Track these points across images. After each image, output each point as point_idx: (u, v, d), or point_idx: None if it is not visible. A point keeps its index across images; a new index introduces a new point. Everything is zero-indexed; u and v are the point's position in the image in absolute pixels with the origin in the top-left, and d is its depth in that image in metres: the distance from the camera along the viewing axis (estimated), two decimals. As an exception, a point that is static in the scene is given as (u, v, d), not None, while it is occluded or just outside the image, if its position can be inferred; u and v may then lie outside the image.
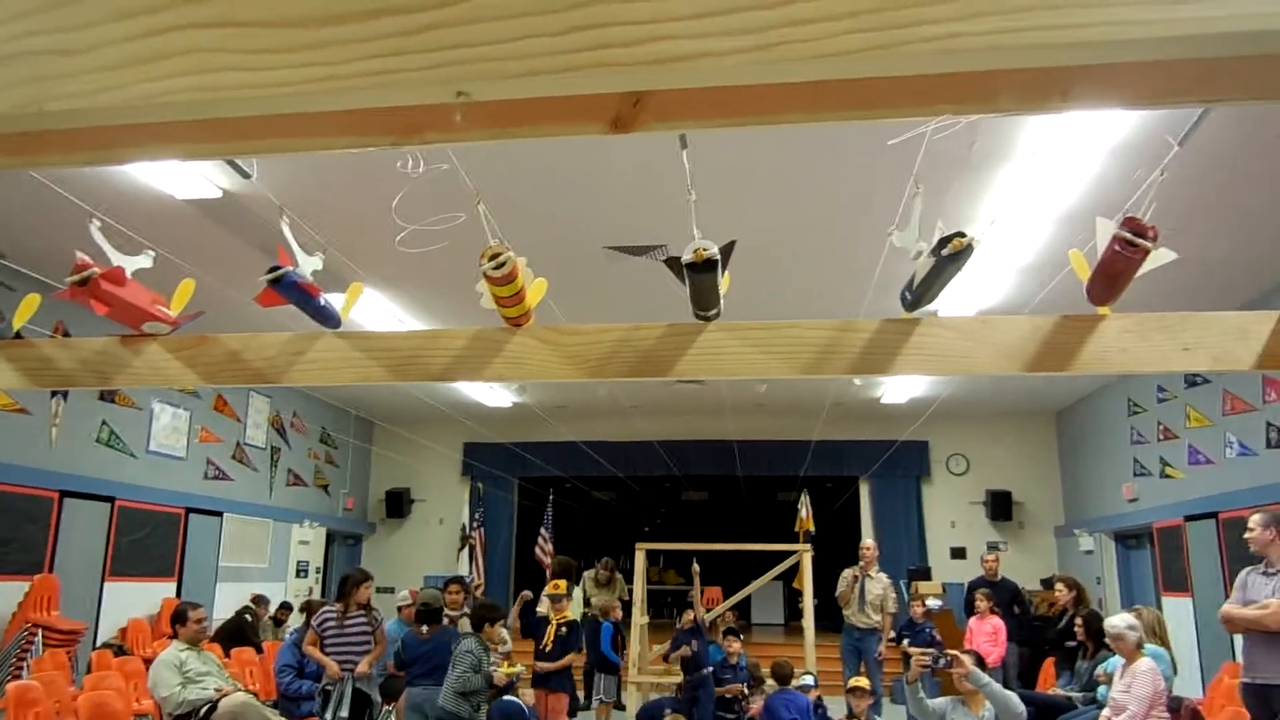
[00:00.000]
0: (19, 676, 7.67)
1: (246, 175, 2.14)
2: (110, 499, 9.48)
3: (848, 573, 9.41)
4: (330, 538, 14.06)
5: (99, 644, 8.86)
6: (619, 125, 0.84)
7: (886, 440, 13.36)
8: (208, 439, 11.17)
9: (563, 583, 8.31)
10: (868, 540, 9.70)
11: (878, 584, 9.26)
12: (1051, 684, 7.93)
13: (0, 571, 8.06)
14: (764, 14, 0.66)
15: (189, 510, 10.69)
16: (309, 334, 1.90)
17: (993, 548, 13.16)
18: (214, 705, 5.90)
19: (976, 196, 6.43)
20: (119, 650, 8.67)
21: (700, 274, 1.70)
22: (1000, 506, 13.86)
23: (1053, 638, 8.32)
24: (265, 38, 0.68)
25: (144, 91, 0.70)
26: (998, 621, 8.54)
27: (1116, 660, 6.24)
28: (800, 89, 0.81)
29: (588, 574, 11.28)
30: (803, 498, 13.52)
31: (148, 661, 8.42)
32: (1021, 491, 14.00)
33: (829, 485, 15.23)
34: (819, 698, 8.18)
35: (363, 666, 6.52)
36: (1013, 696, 4.58)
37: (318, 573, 13.58)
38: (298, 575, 13.01)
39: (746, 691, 8.11)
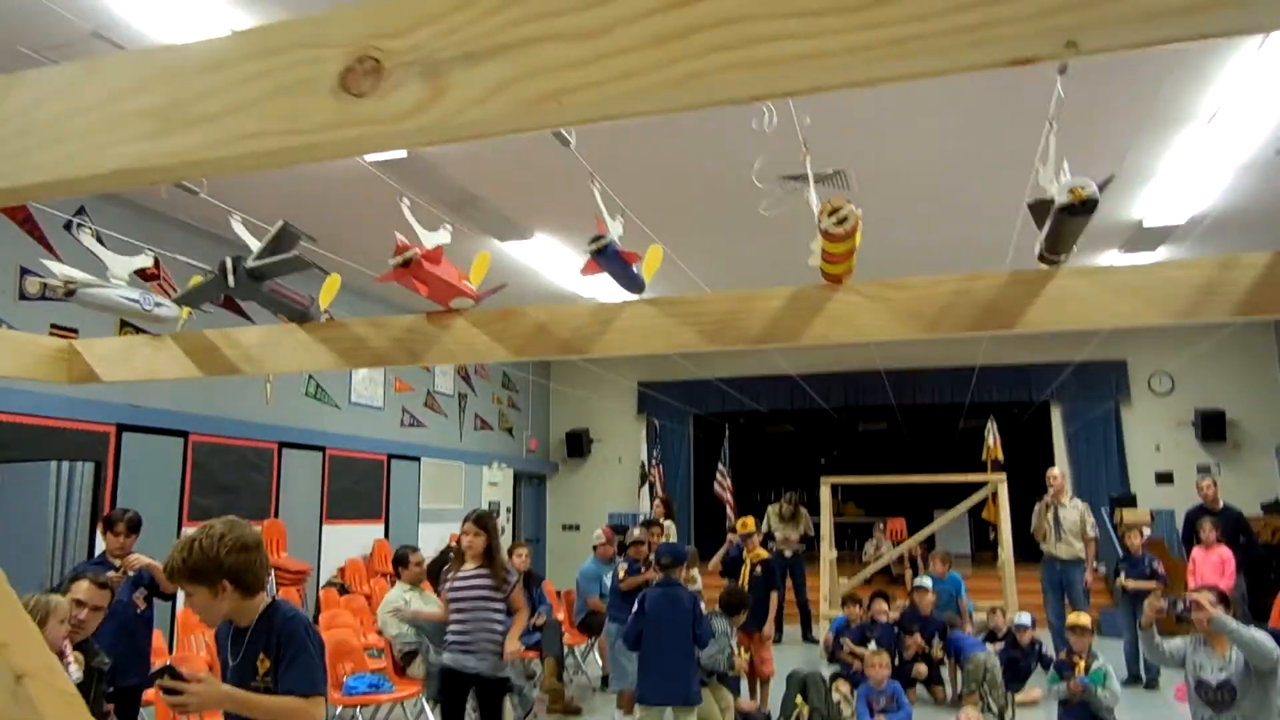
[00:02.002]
0: (260, 614, 8.37)
1: (566, 142, 2.11)
2: (321, 448, 10.12)
3: (1039, 505, 9.00)
4: (517, 478, 14.61)
5: (323, 583, 9.54)
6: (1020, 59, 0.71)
7: (1079, 361, 12.59)
8: (402, 389, 11.72)
9: (750, 520, 8.29)
10: (1054, 469, 9.20)
11: (1072, 510, 8.81)
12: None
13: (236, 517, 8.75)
14: None
15: (390, 456, 11.29)
16: (616, 303, 1.86)
17: (1204, 471, 12.28)
18: (438, 642, 6.21)
19: (1199, 87, 5.83)
20: (342, 589, 9.31)
21: (1076, 216, 1.54)
22: (1212, 426, 12.85)
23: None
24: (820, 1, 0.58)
25: (668, 76, 0.61)
26: (1225, 551, 7.95)
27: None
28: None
29: (771, 508, 11.26)
30: (989, 424, 12.99)
31: (368, 598, 9.03)
32: (1236, 409, 12.93)
33: (1015, 411, 14.55)
34: (1035, 638, 7.91)
35: (510, 644, 5.01)
36: (1265, 639, 4.18)
37: (508, 511, 14.16)
38: (490, 515, 13.59)
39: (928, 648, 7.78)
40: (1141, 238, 8.58)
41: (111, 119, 0.74)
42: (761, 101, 0.73)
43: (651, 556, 7.09)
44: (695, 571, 9.07)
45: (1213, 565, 7.86)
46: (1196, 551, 8.15)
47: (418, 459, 11.92)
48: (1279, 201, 7.44)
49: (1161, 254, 9.08)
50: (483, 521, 5.15)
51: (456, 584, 5.11)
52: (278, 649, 2.55)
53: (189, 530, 2.51)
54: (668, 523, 8.69)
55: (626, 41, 0.61)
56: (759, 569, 7.48)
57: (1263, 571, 8.40)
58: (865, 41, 0.57)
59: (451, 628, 5.01)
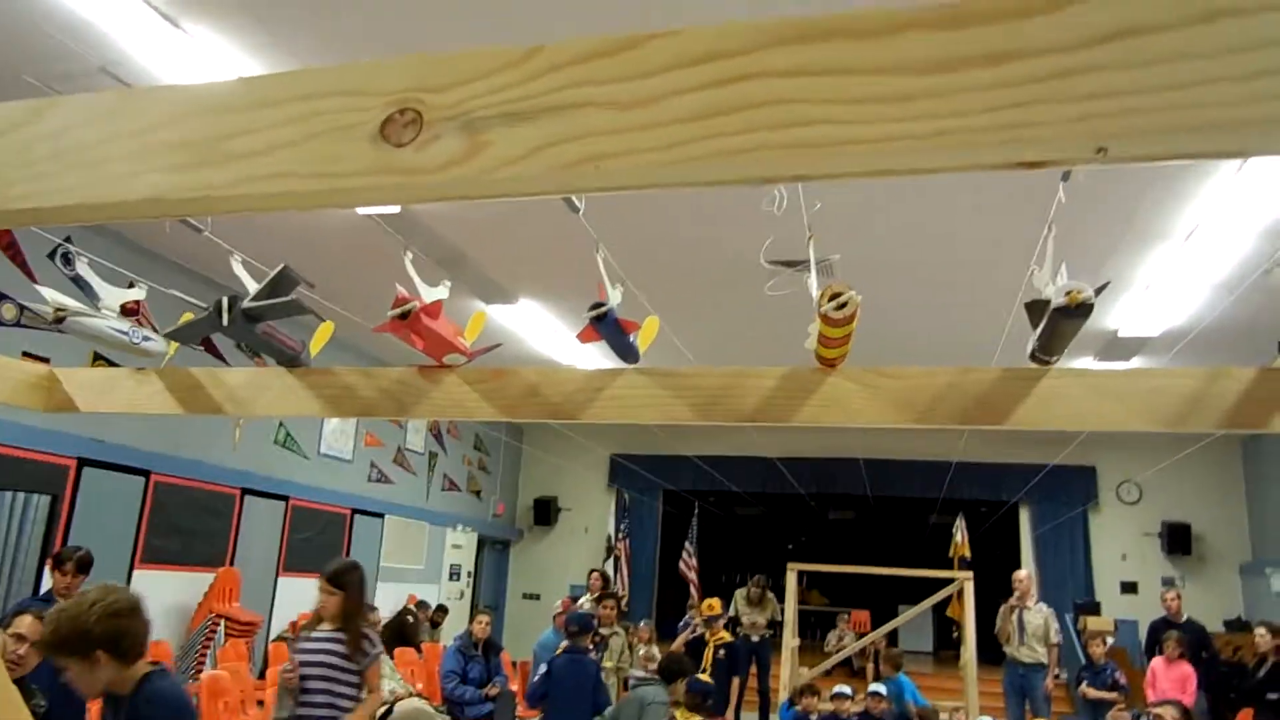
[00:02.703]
0: (204, 663, 8.12)
1: (576, 209, 2.14)
2: (285, 497, 9.95)
3: (1004, 607, 8.96)
4: (481, 543, 14.40)
5: (273, 637, 9.28)
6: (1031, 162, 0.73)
7: (1050, 465, 12.68)
8: (372, 443, 11.60)
9: (717, 602, 8.20)
10: (1021, 571, 9.19)
11: (1037, 615, 8.78)
12: (1250, 737, 7.32)
13: (189, 562, 8.55)
14: None
15: (354, 511, 11.12)
16: (610, 370, 1.87)
17: (1169, 583, 12.29)
18: (390, 708, 6.05)
19: (1175, 207, 6.01)
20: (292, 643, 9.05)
21: (1070, 318, 1.57)
22: (1178, 539, 12.92)
23: (1251, 687, 7.68)
24: (866, 87, 0.60)
25: (710, 149, 0.63)
26: (1187, 668, 7.90)
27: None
28: None
29: (739, 592, 11.14)
30: (958, 522, 12.99)
31: (319, 656, 8.78)
32: (1202, 523, 13.03)
33: (984, 510, 14.59)
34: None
35: None
36: None
37: (469, 576, 13.91)
38: (451, 578, 13.36)
39: None
40: (1116, 347, 8.74)
41: (144, 148, 0.75)
42: (776, 184, 0.74)
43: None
44: (654, 649, 8.93)
45: (1174, 680, 7.82)
46: (1157, 663, 8.11)
47: (382, 515, 11.73)
48: (1253, 320, 7.61)
49: (1136, 364, 9.24)
50: (339, 579, 4.21)
51: (305, 646, 4.21)
52: None
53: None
54: (619, 633, 8.37)
55: (671, 114, 0.63)
56: (722, 652, 7.38)
57: (1223, 689, 8.35)
58: (909, 131, 0.59)
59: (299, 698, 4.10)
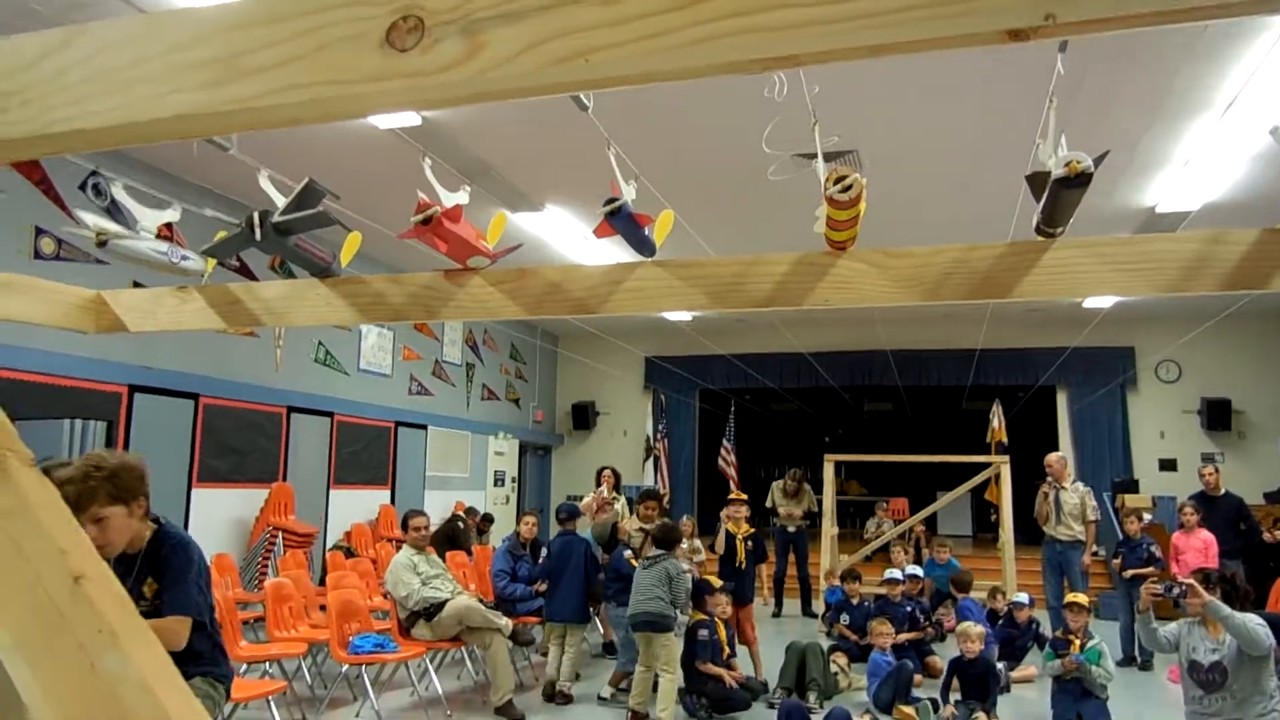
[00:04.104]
0: (266, 573, 8.51)
1: (585, 107, 2.16)
2: (330, 414, 10.22)
3: (1041, 489, 9.07)
4: (523, 449, 14.73)
5: (329, 546, 9.67)
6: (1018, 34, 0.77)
7: (1086, 347, 12.61)
8: (410, 357, 11.81)
9: (742, 496, 8.42)
10: (1053, 455, 9.25)
11: (1073, 494, 8.87)
12: (1284, 604, 7.43)
13: (244, 480, 8.88)
14: None
15: (398, 424, 11.40)
16: (628, 263, 1.92)
17: (1208, 459, 12.31)
18: (443, 605, 6.33)
19: (1215, 76, 5.83)
20: (348, 552, 9.44)
21: (1071, 189, 1.59)
22: (1218, 415, 12.88)
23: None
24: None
25: (691, 37, 0.68)
26: (1207, 535, 7.99)
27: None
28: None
29: (775, 484, 11.34)
30: (994, 407, 13.04)
31: (374, 562, 9.16)
32: (1243, 399, 12.95)
33: (1020, 395, 14.60)
34: (1032, 617, 8.01)
35: None
36: (1258, 627, 4.20)
37: (513, 482, 14.29)
38: (495, 484, 13.74)
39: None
40: (1155, 223, 8.58)
41: (172, 68, 0.80)
42: (772, 70, 0.79)
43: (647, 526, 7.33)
44: (697, 543, 9.19)
45: (1196, 550, 7.92)
46: (1177, 536, 8.21)
47: (425, 427, 12.03)
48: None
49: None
50: None
51: None
52: (163, 573, 2.59)
53: (61, 470, 2.52)
54: (619, 499, 8.66)
55: (650, 6, 0.67)
56: (749, 543, 7.63)
57: (1262, 559, 8.44)
58: (868, 9, 0.63)
59: None
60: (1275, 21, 5.08)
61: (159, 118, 0.80)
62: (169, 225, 2.48)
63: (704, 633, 6.36)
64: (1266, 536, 7.90)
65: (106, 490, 2.49)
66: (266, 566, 8.73)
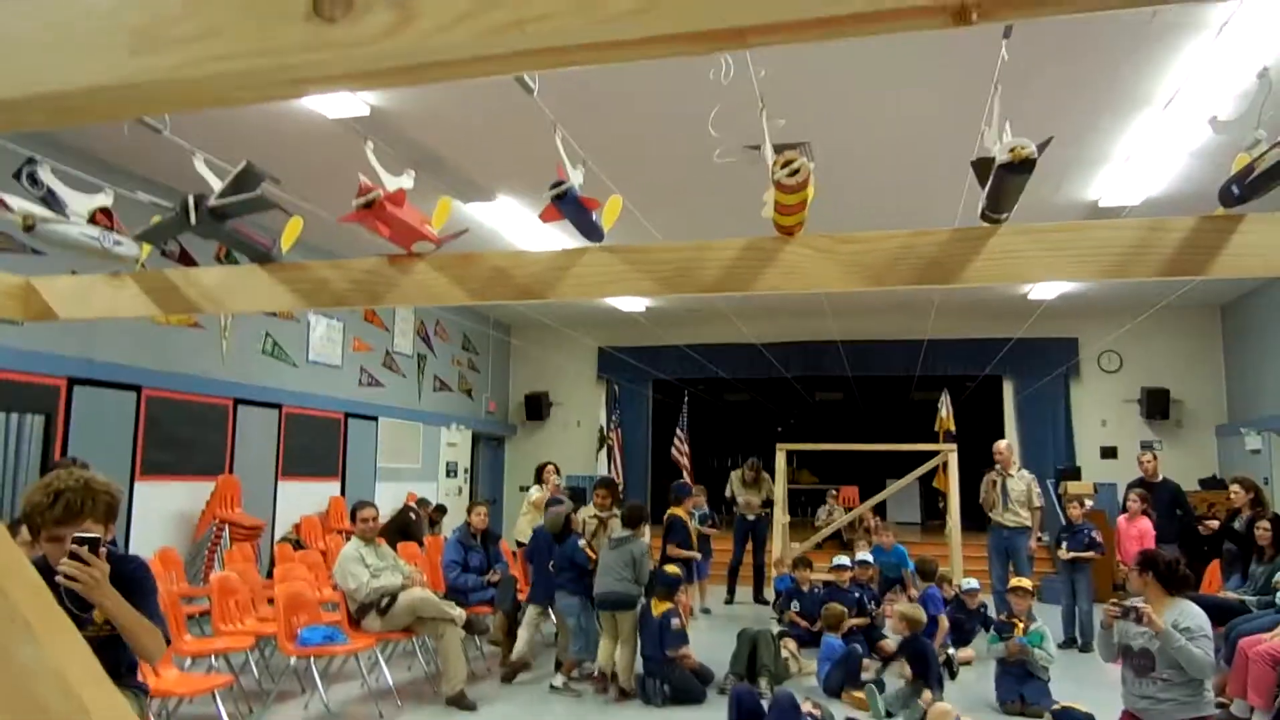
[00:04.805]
0: (212, 566, 8.36)
1: (530, 90, 2.12)
2: (278, 405, 10.06)
3: (987, 476, 9.25)
4: (476, 439, 14.63)
5: (278, 538, 9.53)
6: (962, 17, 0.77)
7: (1032, 338, 12.85)
8: (360, 348, 11.66)
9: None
10: (1000, 442, 9.45)
11: (1019, 481, 9.07)
12: (1219, 587, 7.65)
13: (189, 472, 8.71)
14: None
15: (348, 415, 11.25)
16: (575, 249, 1.90)
17: (1147, 447, 12.65)
18: (394, 597, 6.27)
19: (1157, 71, 5.95)
20: (296, 544, 9.31)
21: (1015, 174, 1.60)
22: (1156, 404, 13.23)
23: (1215, 539, 8.01)
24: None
25: (624, 8, 0.66)
26: (1145, 523, 8.23)
27: (1302, 564, 5.96)
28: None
29: (734, 474, 11.44)
30: (943, 397, 13.24)
31: (324, 554, 9.04)
32: (1180, 389, 13.32)
33: (969, 385, 14.86)
34: (982, 602, 8.16)
35: None
36: (1202, 658, 4.25)
37: (466, 473, 14.19)
38: (447, 475, 13.63)
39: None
40: (1098, 217, 8.76)
41: (86, 36, 0.76)
42: (719, 51, 0.77)
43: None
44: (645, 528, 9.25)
45: (1133, 537, 8.15)
46: (1120, 521, 8.43)
47: (375, 418, 11.89)
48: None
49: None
50: None
51: None
52: (135, 592, 2.61)
53: (60, 477, 2.55)
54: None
55: (586, -25, 0.65)
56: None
57: (1196, 543, 8.68)
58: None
59: None
60: (1213, 19, 5.20)
61: (69, 88, 0.77)
62: (106, 211, 2.41)
63: (676, 621, 6.50)
64: (1201, 528, 8.14)
65: (105, 506, 2.55)
66: (213, 560, 8.57)
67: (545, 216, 1.99)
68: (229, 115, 6.35)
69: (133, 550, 7.24)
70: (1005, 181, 1.62)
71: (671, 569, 6.98)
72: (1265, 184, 1.60)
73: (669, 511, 9.43)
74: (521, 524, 9.11)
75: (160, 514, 8.34)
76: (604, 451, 14.71)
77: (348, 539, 7.04)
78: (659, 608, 6.49)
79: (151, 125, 2.16)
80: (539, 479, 9.02)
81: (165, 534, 8.26)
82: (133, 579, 2.64)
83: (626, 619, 6.56)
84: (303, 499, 10.35)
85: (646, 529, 7.42)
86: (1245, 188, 1.65)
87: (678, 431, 13.98)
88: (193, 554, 8.53)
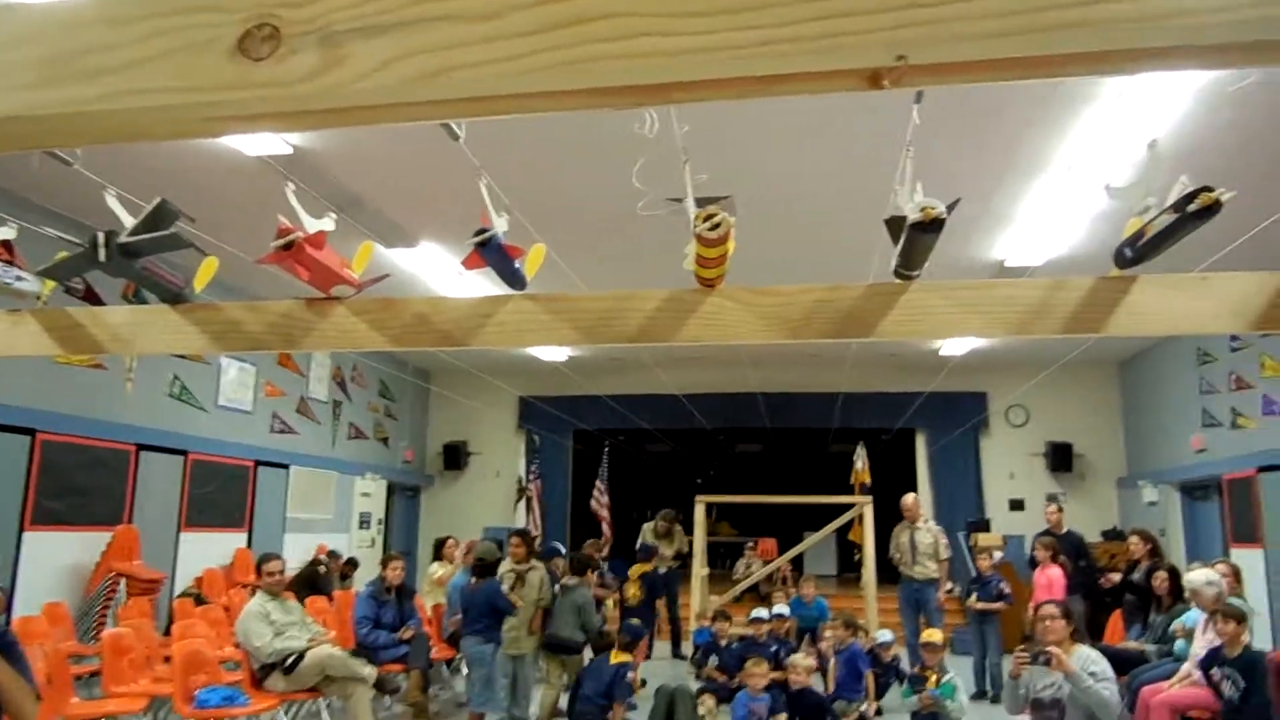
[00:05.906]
0: (104, 623, 7.94)
1: (456, 137, 2.12)
2: (183, 452, 9.69)
3: (896, 529, 9.45)
4: (391, 489, 14.30)
5: (178, 593, 9.12)
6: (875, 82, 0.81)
7: (943, 392, 13.23)
8: (273, 393, 11.35)
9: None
10: (907, 497, 9.67)
11: (927, 534, 9.28)
12: (1121, 637, 7.89)
13: (84, 522, 8.29)
14: None
15: (258, 463, 10.90)
16: (497, 296, 1.89)
17: (1052, 499, 13.04)
18: (301, 655, 6.05)
19: (1058, 137, 6.27)
20: (198, 599, 8.92)
21: (926, 233, 1.67)
22: (1061, 458, 13.72)
23: (1117, 590, 8.28)
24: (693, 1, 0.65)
25: (550, 60, 0.67)
26: (1055, 571, 8.48)
27: (1195, 614, 6.18)
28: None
29: (647, 526, 11.39)
30: (859, 450, 13.49)
31: (226, 609, 8.67)
32: (1083, 443, 13.84)
33: (884, 437, 15.18)
34: (896, 654, 8.24)
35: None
36: (1110, 699, 4.37)
37: (380, 524, 13.83)
38: (361, 527, 13.27)
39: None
40: (1003, 276, 9.11)
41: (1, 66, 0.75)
42: (643, 105, 0.79)
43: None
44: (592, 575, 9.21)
45: (1042, 585, 8.38)
46: (1036, 573, 8.67)
47: (287, 466, 11.53)
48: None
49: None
50: None
51: None
52: (12, 659, 2.56)
53: None
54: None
55: (515, 27, 0.66)
56: (641, 583, 7.81)
57: (1099, 593, 8.98)
58: (735, 41, 0.64)
59: None
60: (1109, 90, 5.52)
61: (-17, 117, 0.74)
62: (7, 244, 2.31)
63: (631, 675, 6.53)
64: (1103, 582, 8.43)
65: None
66: (105, 616, 8.14)
67: (468, 264, 1.99)
68: (145, 149, 6.20)
69: (18, 605, 6.86)
70: (917, 240, 1.69)
71: (635, 621, 7.11)
72: (1156, 247, 1.70)
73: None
74: (423, 602, 9.04)
75: (51, 566, 7.90)
76: (523, 503, 14.53)
77: (253, 593, 6.78)
78: (618, 657, 6.47)
79: (61, 158, 2.09)
80: (438, 555, 8.95)
81: (56, 588, 7.82)
82: (10, 650, 2.57)
83: (572, 665, 6.80)
84: (207, 551, 9.93)
85: (593, 576, 7.65)
86: (1138, 250, 1.75)
87: (597, 483, 13.92)
88: (84, 609, 8.08)
